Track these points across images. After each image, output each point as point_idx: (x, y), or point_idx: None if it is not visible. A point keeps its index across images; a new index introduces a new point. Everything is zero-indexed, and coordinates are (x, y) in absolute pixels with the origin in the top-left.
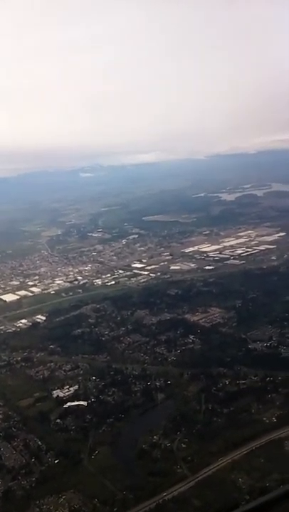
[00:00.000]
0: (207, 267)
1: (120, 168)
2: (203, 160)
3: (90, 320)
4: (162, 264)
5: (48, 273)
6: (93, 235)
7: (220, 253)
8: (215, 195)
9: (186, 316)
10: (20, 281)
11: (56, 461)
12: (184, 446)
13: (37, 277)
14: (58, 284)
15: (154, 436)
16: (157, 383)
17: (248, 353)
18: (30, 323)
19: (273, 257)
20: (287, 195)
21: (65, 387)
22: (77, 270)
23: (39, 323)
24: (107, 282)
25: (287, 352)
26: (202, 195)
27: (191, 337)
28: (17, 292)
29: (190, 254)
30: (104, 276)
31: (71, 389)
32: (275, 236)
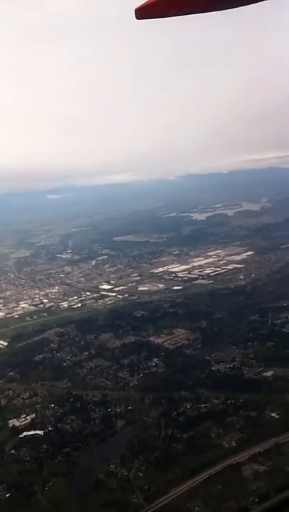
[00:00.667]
0: (175, 288)
1: (93, 189)
2: (175, 180)
3: (52, 345)
4: (130, 285)
5: (14, 296)
6: (62, 256)
7: (189, 273)
8: (186, 214)
9: (151, 338)
10: None
11: (8, 495)
12: (141, 474)
13: (1, 301)
14: (23, 307)
15: (111, 465)
16: (118, 409)
17: (211, 375)
18: None
19: (241, 277)
20: (257, 215)
21: (22, 416)
22: (43, 293)
23: (0, 349)
24: (74, 305)
25: (249, 373)
26: (173, 215)
27: (155, 360)
28: None
29: (159, 274)
30: (70, 299)
31: (28, 418)
32: (244, 255)
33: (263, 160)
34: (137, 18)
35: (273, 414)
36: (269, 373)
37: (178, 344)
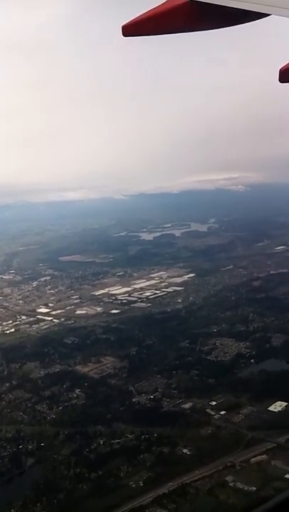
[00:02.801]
0: (113, 311)
1: (47, 205)
2: (128, 199)
3: None
4: (69, 308)
5: None
6: (4, 277)
7: (129, 296)
8: (135, 234)
9: (78, 367)
10: None
11: None
12: None
13: None
14: None
15: (12, 510)
16: (29, 446)
17: (130, 408)
18: None
19: (179, 300)
20: (203, 236)
21: None
22: None
23: None
24: (6, 330)
25: (169, 405)
26: (123, 234)
27: (77, 391)
28: None
29: (99, 297)
30: (5, 323)
31: None
32: (185, 277)
33: (214, 181)
34: (124, 35)
35: (185, 450)
36: (188, 405)
37: (103, 373)
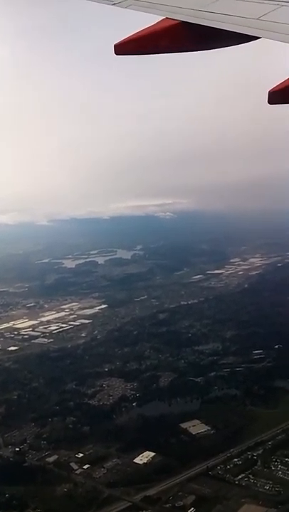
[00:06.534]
0: (10, 348)
1: None
2: (59, 223)
3: None
4: None
5: None
6: None
7: (33, 330)
8: (59, 261)
9: None
10: None
11: None
12: None
13: None
14: None
15: None
16: None
17: None
18: None
19: (83, 334)
20: (126, 263)
21: None
22: None
23: None
24: None
25: (33, 458)
26: (46, 261)
27: None
28: None
29: (1, 331)
30: None
31: None
32: (96, 309)
33: (144, 206)
34: (116, 53)
35: None
36: (53, 458)
37: None
